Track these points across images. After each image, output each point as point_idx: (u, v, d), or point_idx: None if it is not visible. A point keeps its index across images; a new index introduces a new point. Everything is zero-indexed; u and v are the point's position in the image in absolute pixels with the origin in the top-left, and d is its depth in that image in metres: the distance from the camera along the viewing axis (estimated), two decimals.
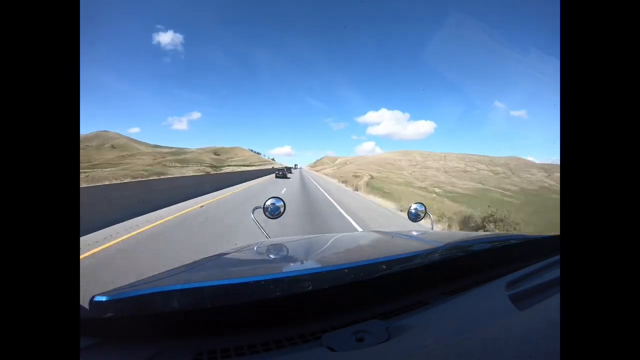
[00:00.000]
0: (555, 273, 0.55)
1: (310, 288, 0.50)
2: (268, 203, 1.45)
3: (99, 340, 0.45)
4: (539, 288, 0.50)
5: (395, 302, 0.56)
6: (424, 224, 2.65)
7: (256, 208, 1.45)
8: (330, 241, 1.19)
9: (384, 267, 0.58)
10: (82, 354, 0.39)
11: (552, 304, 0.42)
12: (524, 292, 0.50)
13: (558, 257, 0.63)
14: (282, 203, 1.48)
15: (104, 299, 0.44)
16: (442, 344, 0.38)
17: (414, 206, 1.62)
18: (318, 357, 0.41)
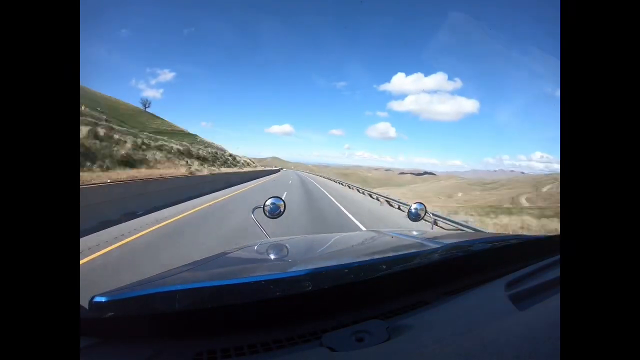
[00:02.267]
0: (555, 273, 0.55)
1: (310, 288, 0.50)
2: (268, 203, 1.45)
3: (99, 340, 0.45)
4: (539, 288, 0.50)
5: (395, 302, 0.56)
6: (424, 224, 2.65)
7: (256, 208, 1.45)
8: (331, 241, 1.19)
9: (384, 267, 0.58)
10: (82, 354, 0.39)
11: (552, 304, 0.42)
12: (524, 292, 0.50)
13: (558, 257, 0.63)
14: (282, 202, 1.48)
15: (103, 299, 0.44)
16: (442, 344, 0.38)
17: (414, 206, 1.62)
18: (318, 357, 0.41)
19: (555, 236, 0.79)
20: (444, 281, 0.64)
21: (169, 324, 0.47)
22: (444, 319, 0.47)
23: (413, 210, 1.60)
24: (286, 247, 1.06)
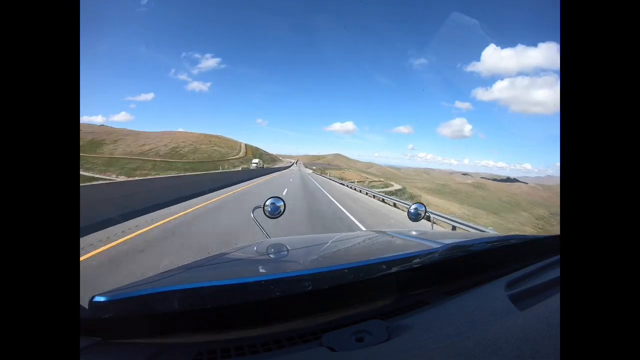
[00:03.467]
0: (555, 273, 0.55)
1: (310, 288, 0.50)
2: (268, 202, 1.45)
3: (99, 340, 0.45)
4: (539, 288, 0.50)
5: (395, 302, 0.56)
6: (424, 224, 2.65)
7: (256, 207, 1.44)
8: (331, 241, 1.19)
9: (384, 267, 0.58)
10: (82, 353, 0.39)
11: (552, 304, 0.42)
12: (524, 292, 0.50)
13: (558, 257, 0.63)
14: (282, 203, 1.48)
15: (103, 299, 0.43)
16: (442, 344, 0.38)
17: (414, 206, 1.62)
18: (318, 357, 0.41)
19: (555, 236, 0.79)
20: (444, 281, 0.64)
21: (169, 324, 0.47)
22: (444, 319, 0.47)
23: (413, 210, 1.60)
24: (286, 247, 1.06)
